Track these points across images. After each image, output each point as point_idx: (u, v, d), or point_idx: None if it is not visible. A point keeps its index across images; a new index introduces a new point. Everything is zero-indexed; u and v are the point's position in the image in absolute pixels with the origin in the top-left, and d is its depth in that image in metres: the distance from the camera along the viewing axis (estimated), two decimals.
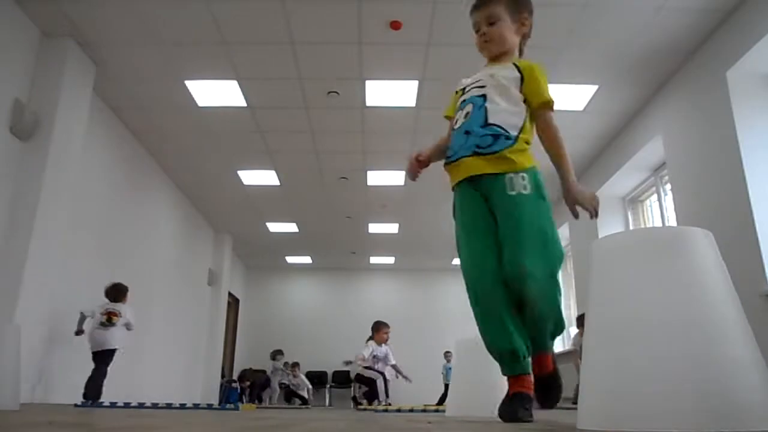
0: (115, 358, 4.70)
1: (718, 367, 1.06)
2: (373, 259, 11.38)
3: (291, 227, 9.39)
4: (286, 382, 9.97)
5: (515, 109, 1.86)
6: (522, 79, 1.90)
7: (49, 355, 4.44)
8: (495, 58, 2.03)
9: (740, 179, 4.02)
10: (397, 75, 5.09)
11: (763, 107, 4.11)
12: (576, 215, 1.82)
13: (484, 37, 2.01)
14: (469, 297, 1.83)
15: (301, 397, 9.83)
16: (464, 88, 2.03)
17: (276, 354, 10.32)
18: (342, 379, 11.15)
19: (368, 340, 6.87)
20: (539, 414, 2.09)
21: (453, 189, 1.97)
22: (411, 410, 4.50)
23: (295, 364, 10.09)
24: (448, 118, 2.12)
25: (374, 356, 6.68)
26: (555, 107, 1.90)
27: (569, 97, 5.22)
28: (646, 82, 5.07)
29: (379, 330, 6.84)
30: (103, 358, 4.65)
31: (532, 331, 1.78)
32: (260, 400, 9.73)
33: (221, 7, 4.16)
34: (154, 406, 4.14)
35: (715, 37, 4.34)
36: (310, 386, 10.07)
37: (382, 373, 6.58)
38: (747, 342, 1.11)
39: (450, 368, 6.21)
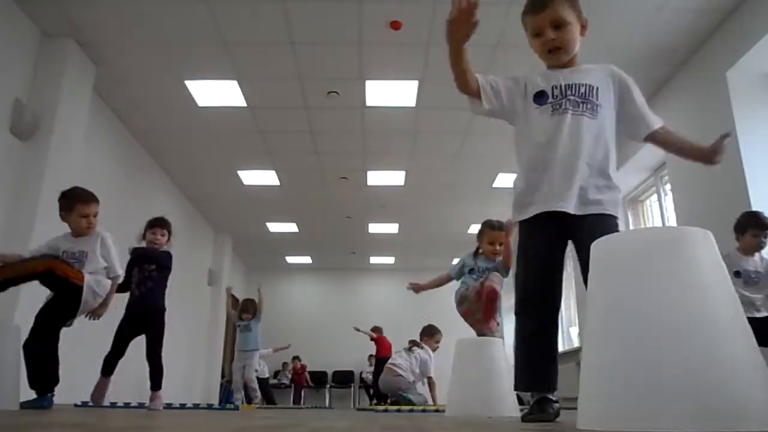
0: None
1: (718, 367, 1.06)
2: (373, 259, 11.38)
3: (291, 227, 9.39)
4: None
5: None
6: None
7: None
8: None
9: (740, 179, 4.02)
10: (397, 75, 5.09)
11: (763, 107, 4.11)
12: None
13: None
14: None
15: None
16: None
17: (295, 359, 10.66)
18: (342, 379, 11.15)
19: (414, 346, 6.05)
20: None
21: None
22: (411, 410, 4.50)
23: None
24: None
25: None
26: None
27: None
28: (646, 82, 5.06)
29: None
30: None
31: None
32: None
33: (221, 7, 4.16)
34: None
35: (715, 37, 4.34)
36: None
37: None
38: (747, 342, 1.11)
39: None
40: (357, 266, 11.74)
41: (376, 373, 7.02)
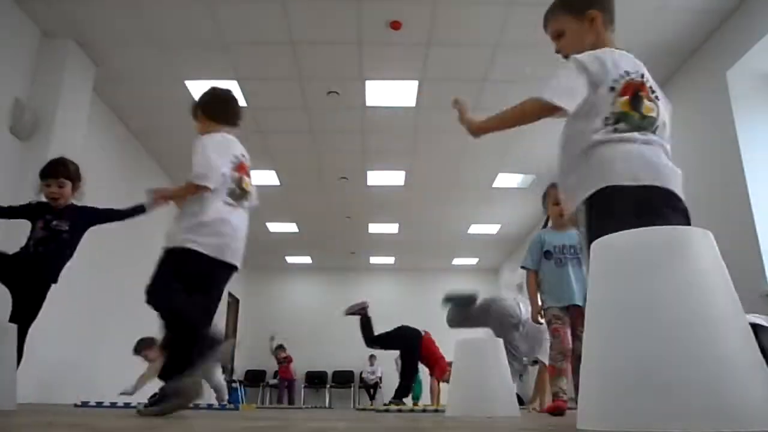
0: None
1: (718, 367, 1.06)
2: (373, 259, 11.38)
3: (291, 227, 9.39)
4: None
5: None
6: None
7: (50, 354, 4.44)
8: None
9: (740, 179, 4.02)
10: (397, 75, 5.09)
11: (763, 107, 4.11)
12: None
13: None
14: None
15: None
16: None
17: (279, 348, 10.41)
18: (342, 379, 11.15)
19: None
20: (541, 414, 2.09)
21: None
22: (411, 410, 4.50)
23: None
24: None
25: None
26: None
27: None
28: None
29: None
30: None
31: None
32: None
33: (221, 7, 4.16)
34: None
35: (715, 37, 4.34)
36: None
37: None
38: (747, 342, 1.11)
39: None
40: (357, 266, 11.74)
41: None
